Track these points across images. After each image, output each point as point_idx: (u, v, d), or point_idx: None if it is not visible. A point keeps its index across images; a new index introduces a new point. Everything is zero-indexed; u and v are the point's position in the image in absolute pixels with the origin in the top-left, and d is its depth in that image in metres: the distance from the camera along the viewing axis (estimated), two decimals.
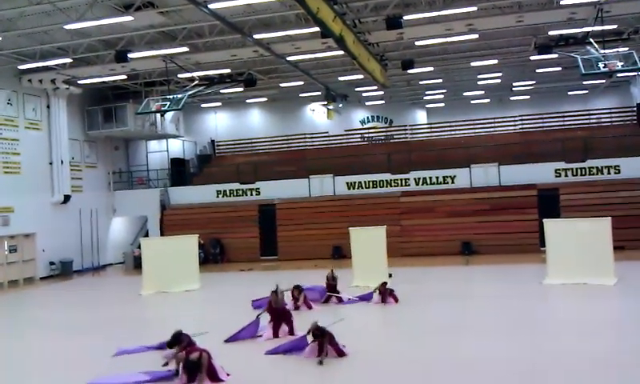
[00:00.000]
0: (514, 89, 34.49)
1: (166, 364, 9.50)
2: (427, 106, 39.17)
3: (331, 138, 34.29)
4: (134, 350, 10.91)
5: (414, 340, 11.23)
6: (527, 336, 10.94)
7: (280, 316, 11.90)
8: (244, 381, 9.05)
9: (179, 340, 9.42)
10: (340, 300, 15.26)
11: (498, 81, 31.52)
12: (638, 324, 11.52)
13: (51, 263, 25.08)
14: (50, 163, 25.54)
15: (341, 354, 9.94)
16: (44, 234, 24.39)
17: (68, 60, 22.24)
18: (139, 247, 22.61)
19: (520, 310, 13.39)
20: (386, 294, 14.68)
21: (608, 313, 13.02)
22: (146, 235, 28.51)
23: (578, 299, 14.37)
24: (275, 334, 11.54)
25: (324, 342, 9.76)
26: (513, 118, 33.75)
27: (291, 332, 11.60)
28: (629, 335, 10.83)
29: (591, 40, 19.67)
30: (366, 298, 15.01)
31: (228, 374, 9.03)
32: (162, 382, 9.02)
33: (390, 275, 16.45)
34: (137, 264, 23.81)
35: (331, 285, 15.58)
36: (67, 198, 25.96)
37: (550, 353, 9.73)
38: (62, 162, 25.73)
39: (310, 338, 10.08)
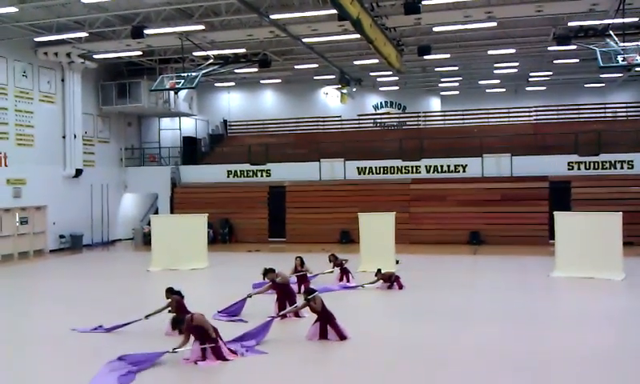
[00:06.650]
0: (530, 79, 34.14)
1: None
2: (442, 93, 38.89)
3: (344, 122, 34.19)
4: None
5: (416, 326, 11.25)
6: (528, 327, 10.91)
7: (286, 294, 11.94)
8: (247, 362, 9.12)
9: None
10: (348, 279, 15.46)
11: (515, 70, 31.21)
12: None
13: (61, 236, 25.29)
14: (63, 137, 25.65)
15: (342, 337, 9.98)
16: (55, 207, 24.57)
17: (84, 34, 22.23)
18: (149, 224, 22.79)
19: (524, 301, 13.35)
20: (391, 279, 14.70)
21: (613, 308, 12.94)
22: (156, 212, 28.70)
23: (583, 293, 14.31)
24: (282, 314, 11.47)
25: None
26: (527, 109, 33.48)
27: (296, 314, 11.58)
28: (631, 331, 10.79)
29: (611, 32, 19.37)
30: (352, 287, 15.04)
31: (234, 353, 9.10)
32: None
33: (397, 262, 16.46)
34: (146, 240, 23.97)
35: (341, 266, 15.75)
36: (79, 172, 26.10)
37: (549, 345, 9.74)
38: (74, 135, 25.83)
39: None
